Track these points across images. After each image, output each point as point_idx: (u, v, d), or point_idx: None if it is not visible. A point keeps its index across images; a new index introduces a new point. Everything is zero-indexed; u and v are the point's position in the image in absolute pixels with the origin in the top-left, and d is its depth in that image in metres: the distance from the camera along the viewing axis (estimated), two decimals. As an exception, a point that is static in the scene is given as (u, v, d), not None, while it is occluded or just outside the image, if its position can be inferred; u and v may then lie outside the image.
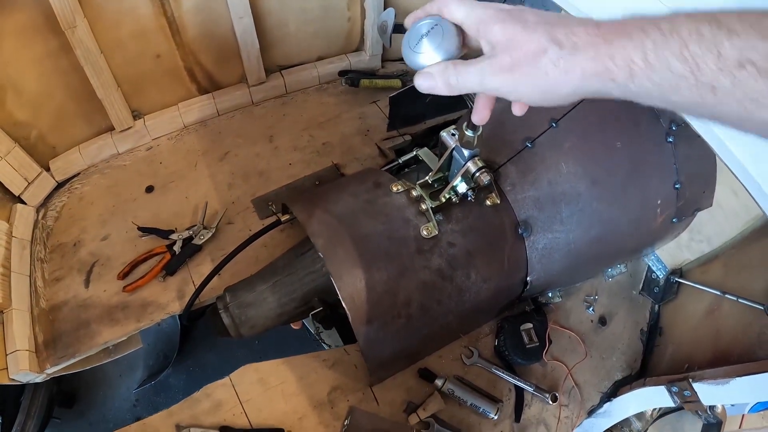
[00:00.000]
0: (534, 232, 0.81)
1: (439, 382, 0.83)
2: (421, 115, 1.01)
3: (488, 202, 0.79)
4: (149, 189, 1.00)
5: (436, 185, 0.78)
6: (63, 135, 1.04)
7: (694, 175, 0.88)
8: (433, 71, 0.41)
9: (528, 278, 0.83)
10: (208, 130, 1.03)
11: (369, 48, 1.09)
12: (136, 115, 1.05)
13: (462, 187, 0.75)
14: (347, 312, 0.71)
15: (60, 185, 1.06)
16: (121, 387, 1.19)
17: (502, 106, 0.92)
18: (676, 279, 0.98)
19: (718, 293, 0.89)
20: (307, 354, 0.84)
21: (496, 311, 0.87)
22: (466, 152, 0.72)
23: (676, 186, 0.87)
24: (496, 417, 0.83)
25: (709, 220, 0.96)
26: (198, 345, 1.14)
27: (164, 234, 0.93)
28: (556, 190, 0.82)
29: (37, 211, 1.03)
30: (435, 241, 0.75)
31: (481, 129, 0.71)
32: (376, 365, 0.75)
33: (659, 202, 0.87)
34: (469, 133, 0.70)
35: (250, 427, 0.82)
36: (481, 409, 0.83)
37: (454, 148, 0.74)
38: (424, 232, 0.75)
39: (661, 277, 1.00)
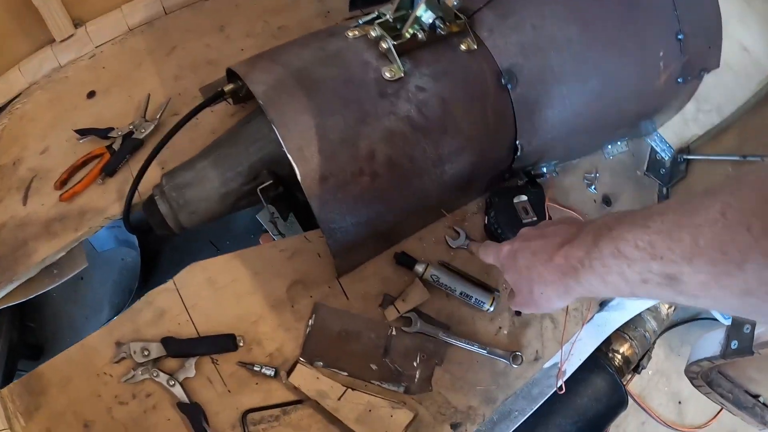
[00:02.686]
0: (520, 83, 0.62)
1: (420, 268, 0.62)
2: (386, -6, 0.82)
3: (463, 47, 0.60)
4: (91, 94, 0.81)
5: (399, 26, 0.59)
6: (2, 56, 0.86)
7: (697, 25, 0.69)
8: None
9: (518, 142, 0.63)
10: (154, 30, 0.85)
11: (329, -64, 0.91)
12: (78, 23, 0.86)
13: (428, 16, 0.56)
14: (295, 166, 0.51)
15: (1, 108, 0.87)
16: (88, 330, 0.97)
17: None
18: (685, 157, 0.78)
19: (737, 158, 0.69)
20: (261, 245, 0.64)
21: (484, 184, 0.67)
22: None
23: (679, 36, 0.68)
24: (491, 308, 0.63)
25: (717, 84, 0.76)
26: (164, 275, 0.94)
27: (103, 133, 0.75)
28: (543, 35, 0.63)
29: (-22, 138, 0.85)
30: (401, 83, 0.56)
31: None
32: (338, 243, 0.56)
33: (661, 54, 0.68)
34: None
35: (196, 336, 0.62)
36: (473, 299, 0.63)
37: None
38: (387, 74, 0.56)
39: (666, 158, 0.80)
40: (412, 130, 0.56)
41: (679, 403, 0.97)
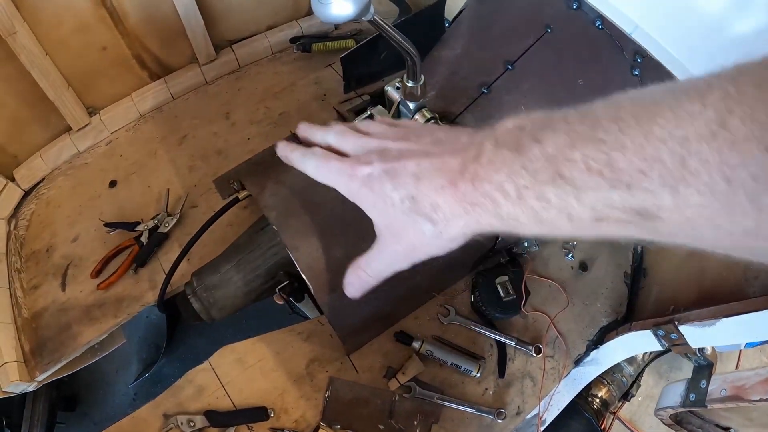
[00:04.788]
0: (497, 181, 0.80)
1: (416, 345, 0.83)
2: (378, 73, 0.99)
3: (445, 156, 0.78)
4: (112, 183, 1.01)
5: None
6: (22, 143, 1.05)
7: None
8: (350, 279, 0.45)
9: (497, 230, 0.82)
10: (164, 116, 1.03)
11: (318, 12, 1.07)
12: (92, 111, 1.05)
13: (412, 143, 0.74)
14: (308, 283, 0.71)
15: (27, 193, 1.07)
16: (119, 383, 1.22)
17: (455, 53, 0.90)
18: (660, 216, 0.96)
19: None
20: (281, 329, 0.85)
21: (469, 266, 0.87)
22: (411, 105, 0.71)
23: (648, 118, 0.84)
24: (478, 375, 0.84)
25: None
26: (188, 332, 1.17)
27: (130, 227, 0.94)
28: (517, 136, 0.80)
29: (8, 223, 1.05)
30: (391, 201, 0.75)
31: (423, 79, 0.70)
32: (346, 333, 0.76)
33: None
34: (410, 83, 0.69)
35: (233, 408, 0.84)
36: (462, 368, 0.83)
37: (399, 102, 0.72)
38: (379, 193, 0.74)
39: (644, 216, 0.98)
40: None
41: (668, 425, 1.19)
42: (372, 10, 0.55)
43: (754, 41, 0.59)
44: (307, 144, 0.44)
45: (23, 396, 1.04)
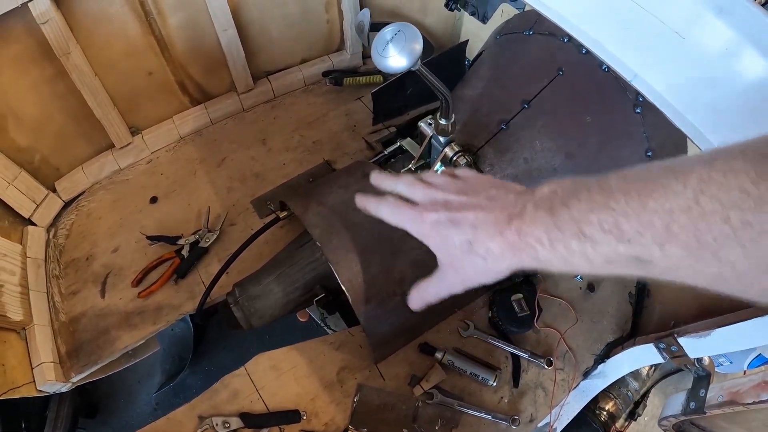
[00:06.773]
0: (515, 207, 0.94)
1: (439, 355, 0.96)
2: (404, 107, 1.14)
3: (469, 183, 0.92)
4: (153, 200, 1.13)
5: (419, 172, 0.91)
6: (65, 156, 1.18)
7: (665, 142, 1.01)
8: (414, 297, 0.55)
9: (514, 251, 0.95)
10: (203, 139, 1.16)
11: (349, 47, 1.23)
12: (134, 130, 1.18)
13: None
14: (347, 294, 0.84)
15: (67, 204, 1.20)
16: (140, 392, 1.33)
17: (477, 92, 1.05)
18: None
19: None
20: (314, 339, 0.97)
21: (488, 285, 1.00)
22: (442, 139, 0.85)
23: (648, 153, 0.99)
24: (495, 384, 0.96)
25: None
26: (212, 345, 1.28)
27: (172, 240, 1.07)
28: (533, 167, 0.94)
29: (48, 231, 1.17)
30: (422, 222, 0.88)
31: (454, 117, 0.84)
32: (377, 342, 0.89)
33: (634, 169, 0.99)
34: (443, 121, 0.83)
35: (267, 411, 0.95)
36: (480, 377, 0.96)
37: (431, 136, 0.87)
38: (412, 216, 0.88)
39: (646, 242, 1.12)
40: (431, 258, 0.88)
41: (672, 444, 1.31)
42: (420, 62, 0.69)
43: (747, 90, 0.74)
44: (378, 191, 0.53)
45: (44, 400, 1.14)
